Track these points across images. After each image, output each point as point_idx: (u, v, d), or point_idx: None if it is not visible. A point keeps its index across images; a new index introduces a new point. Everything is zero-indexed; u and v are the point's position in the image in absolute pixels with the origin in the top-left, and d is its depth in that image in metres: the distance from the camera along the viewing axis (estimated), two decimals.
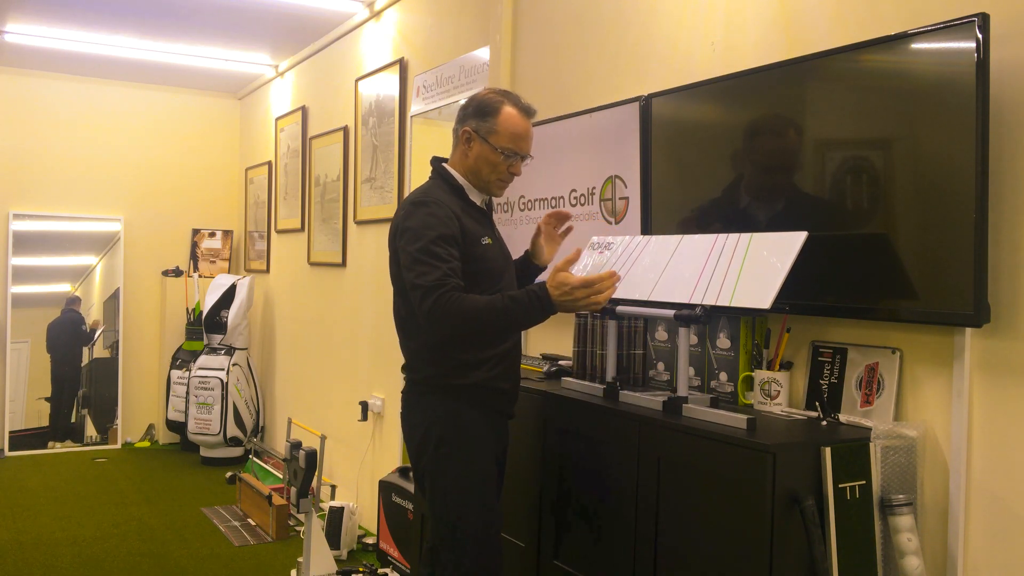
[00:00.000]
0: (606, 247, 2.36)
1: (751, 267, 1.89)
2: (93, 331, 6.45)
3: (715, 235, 2.04)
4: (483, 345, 2.12)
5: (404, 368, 2.22)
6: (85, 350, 6.44)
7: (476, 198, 2.20)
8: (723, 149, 2.26)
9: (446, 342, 2.09)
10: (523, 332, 3.21)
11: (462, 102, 2.24)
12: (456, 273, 2.00)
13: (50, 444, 6.25)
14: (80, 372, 6.41)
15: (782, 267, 1.81)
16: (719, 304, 1.89)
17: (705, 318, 1.93)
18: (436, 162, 2.26)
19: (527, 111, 2.19)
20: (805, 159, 2.04)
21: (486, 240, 2.14)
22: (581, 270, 2.37)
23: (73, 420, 6.38)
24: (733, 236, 1.99)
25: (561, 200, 2.89)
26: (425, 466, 2.14)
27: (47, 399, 6.30)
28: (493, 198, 2.28)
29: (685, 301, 1.98)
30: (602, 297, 1.97)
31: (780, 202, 2.10)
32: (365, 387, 4.59)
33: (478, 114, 2.16)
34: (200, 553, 4.07)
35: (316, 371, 5.35)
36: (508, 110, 2.15)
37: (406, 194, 3.60)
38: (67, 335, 6.37)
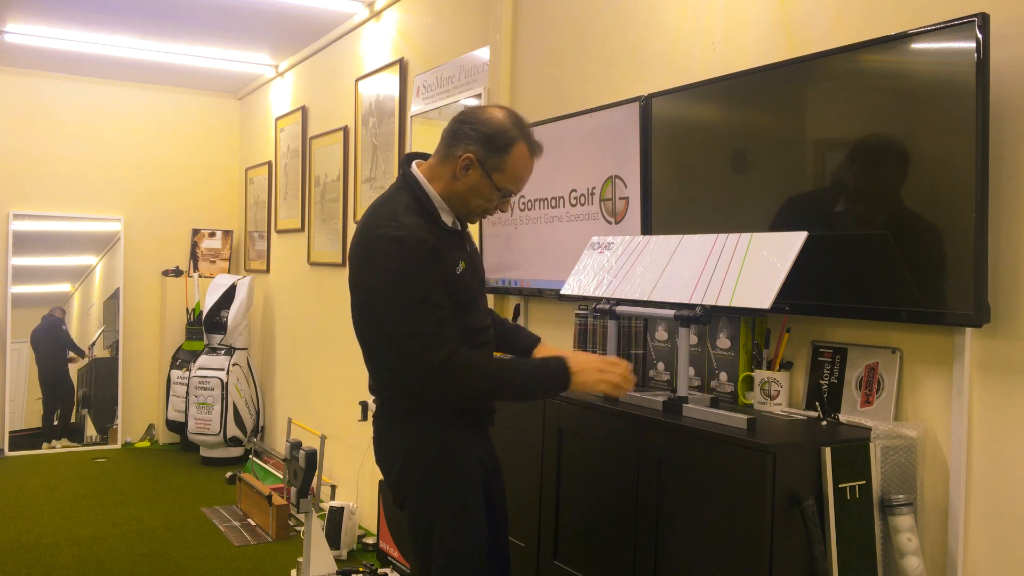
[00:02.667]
0: (606, 247, 2.36)
1: (751, 267, 1.89)
2: (71, 341, 6.43)
3: (715, 235, 2.04)
4: None
5: (372, 392, 2.06)
6: (70, 353, 6.44)
7: (448, 218, 1.98)
8: (723, 149, 2.26)
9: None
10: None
11: (463, 106, 2.04)
12: (449, 322, 1.87)
13: (44, 445, 6.24)
14: (66, 374, 6.38)
15: (782, 267, 1.81)
16: (719, 304, 1.89)
17: (705, 318, 1.93)
18: (407, 165, 2.01)
19: (537, 151, 2.00)
20: (805, 158, 2.04)
21: (460, 267, 1.94)
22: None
23: (73, 420, 6.37)
24: (733, 236, 1.99)
25: (561, 200, 2.88)
26: (411, 490, 1.98)
27: (40, 399, 6.31)
28: None
29: (685, 301, 1.98)
30: (617, 378, 1.92)
31: (780, 202, 2.10)
32: (365, 387, 4.58)
33: (487, 145, 1.92)
34: (200, 553, 4.07)
35: (316, 371, 5.35)
36: (520, 150, 1.94)
37: None
38: (49, 339, 6.35)
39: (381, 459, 2.06)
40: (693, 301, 1.95)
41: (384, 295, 1.86)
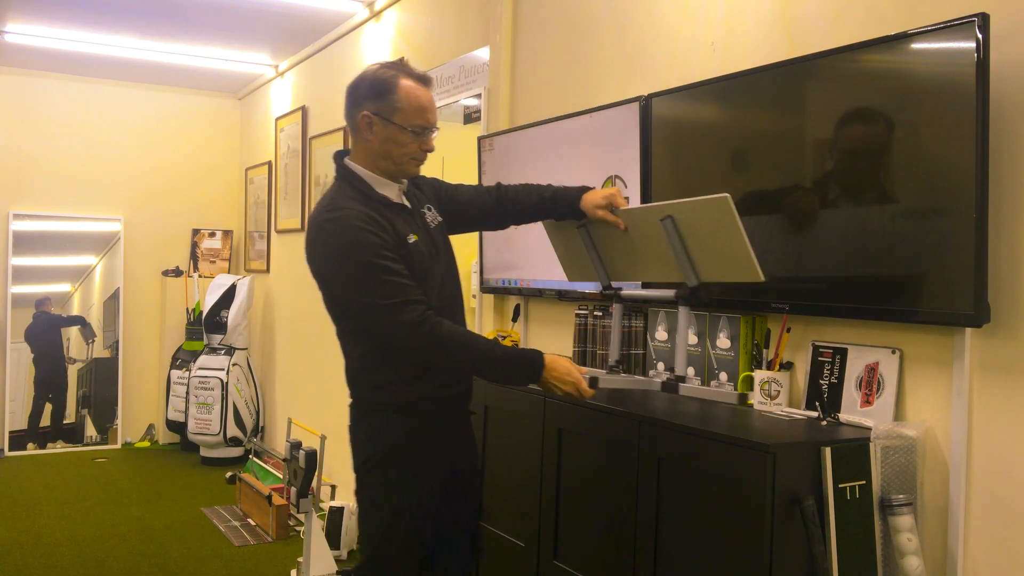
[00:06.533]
0: None
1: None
2: (72, 317, 6.43)
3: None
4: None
5: (347, 382, 2.09)
6: (67, 344, 6.40)
7: (390, 192, 2.00)
8: (723, 149, 2.26)
9: (387, 356, 1.95)
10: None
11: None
12: (411, 286, 1.87)
13: (29, 445, 6.20)
14: (64, 373, 6.38)
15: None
16: (710, 281, 1.90)
17: (705, 296, 1.94)
18: (339, 159, 2.05)
19: (425, 80, 1.98)
20: (805, 158, 2.04)
21: (412, 238, 1.96)
22: None
23: (73, 420, 6.37)
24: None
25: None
26: (366, 483, 2.02)
27: (47, 399, 6.30)
28: (417, 191, 2.11)
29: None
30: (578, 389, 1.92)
31: (779, 202, 2.10)
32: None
33: (373, 96, 1.94)
34: (200, 553, 4.07)
35: (316, 371, 5.35)
36: (406, 83, 1.93)
37: None
38: (43, 337, 6.33)
39: (352, 448, 2.09)
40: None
41: (338, 273, 1.90)
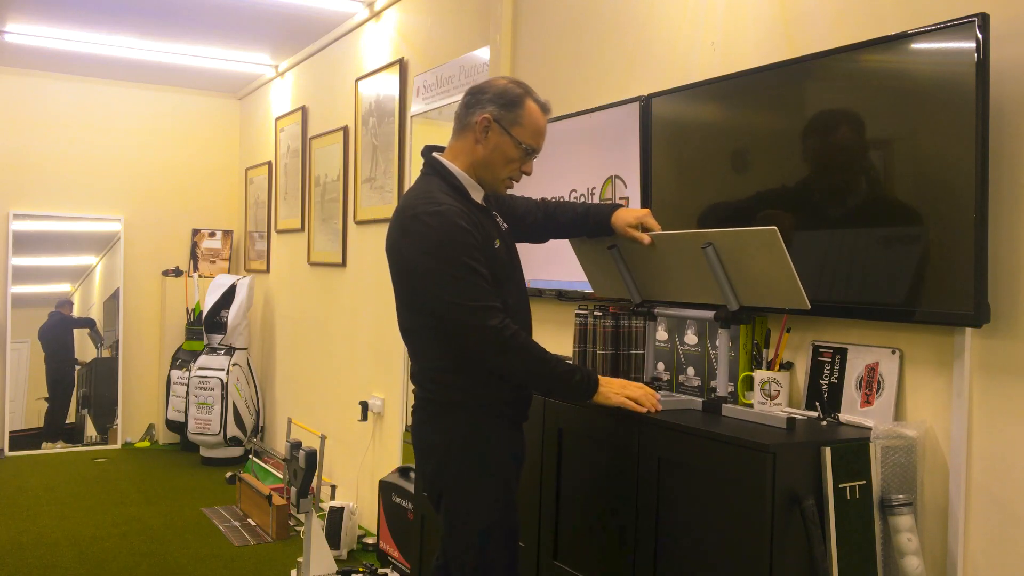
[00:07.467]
0: None
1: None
2: (84, 319, 6.46)
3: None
4: None
5: (414, 383, 2.08)
6: (78, 343, 6.41)
7: (477, 195, 2.03)
8: (723, 149, 2.26)
9: (461, 358, 1.96)
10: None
11: (469, 89, 2.04)
12: (494, 292, 1.90)
13: (44, 444, 6.24)
14: (73, 373, 6.38)
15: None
16: (750, 305, 1.91)
17: (746, 318, 1.94)
18: (429, 153, 2.06)
19: (547, 109, 2.04)
20: (805, 159, 2.04)
21: (496, 243, 2.00)
22: None
23: (72, 420, 6.37)
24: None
25: (560, 200, 2.88)
26: (446, 484, 2.02)
27: (45, 399, 6.31)
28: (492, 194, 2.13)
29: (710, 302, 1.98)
30: (639, 393, 1.96)
31: (779, 201, 2.10)
32: (365, 387, 4.59)
33: (500, 103, 1.96)
34: (200, 553, 4.07)
35: (316, 371, 5.35)
36: (532, 104, 1.99)
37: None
38: (56, 336, 6.35)
39: (418, 451, 2.09)
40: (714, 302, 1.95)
41: (429, 267, 1.88)
